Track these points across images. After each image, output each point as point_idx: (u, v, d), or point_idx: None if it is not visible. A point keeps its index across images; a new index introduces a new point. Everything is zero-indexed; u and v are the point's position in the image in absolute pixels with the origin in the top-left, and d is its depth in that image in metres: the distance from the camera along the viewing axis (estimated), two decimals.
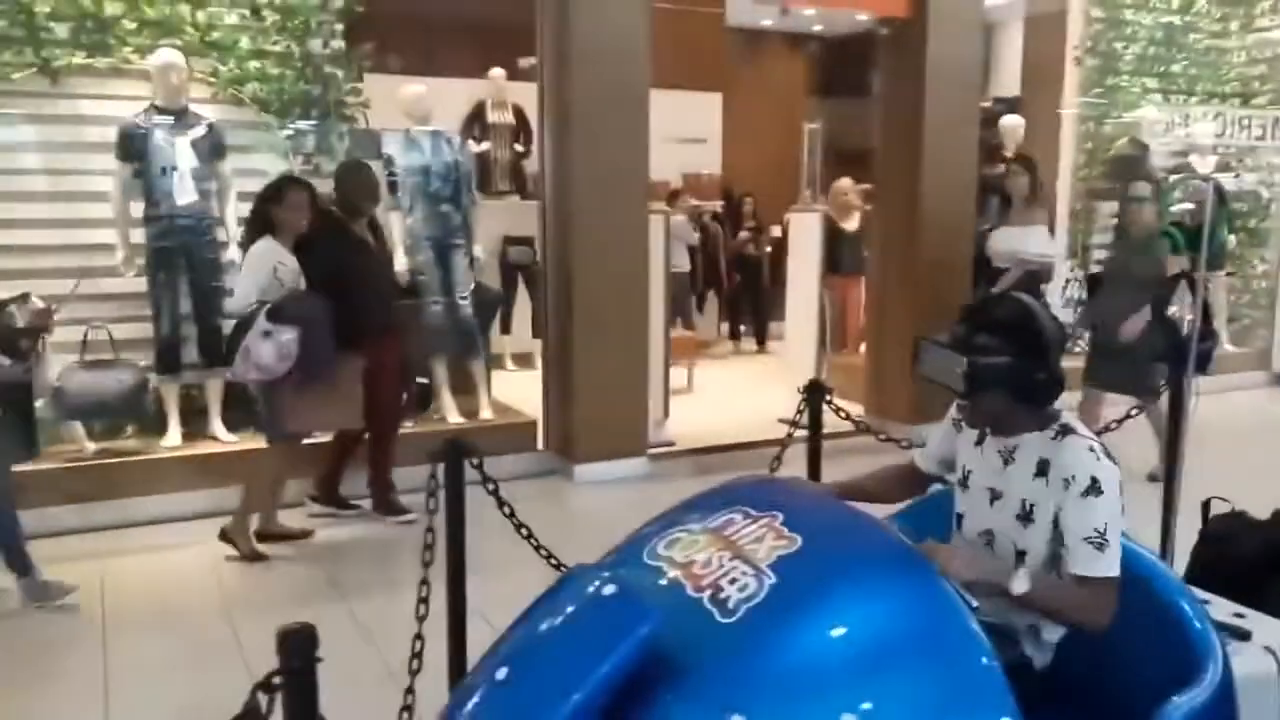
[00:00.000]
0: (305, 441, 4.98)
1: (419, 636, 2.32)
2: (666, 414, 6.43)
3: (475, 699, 1.95)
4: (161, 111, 5.14)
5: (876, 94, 7.05)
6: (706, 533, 2.23)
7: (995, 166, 7.58)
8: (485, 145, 8.53)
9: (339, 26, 5.67)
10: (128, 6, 5.17)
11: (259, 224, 4.64)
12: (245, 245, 4.70)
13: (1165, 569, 2.31)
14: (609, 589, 2.02)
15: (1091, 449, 2.15)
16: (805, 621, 1.92)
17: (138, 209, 5.20)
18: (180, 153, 5.14)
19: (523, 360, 8.06)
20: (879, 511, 2.62)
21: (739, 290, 10.46)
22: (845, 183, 8.16)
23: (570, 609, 2.04)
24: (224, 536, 4.66)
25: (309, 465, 5.11)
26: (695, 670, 1.88)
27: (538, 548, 2.72)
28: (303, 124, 5.62)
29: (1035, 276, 6.07)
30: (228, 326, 5.43)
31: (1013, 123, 7.88)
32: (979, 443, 2.34)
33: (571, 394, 5.69)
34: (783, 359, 8.22)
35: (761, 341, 10.41)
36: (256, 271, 4.54)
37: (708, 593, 2.02)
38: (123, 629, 3.87)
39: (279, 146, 5.60)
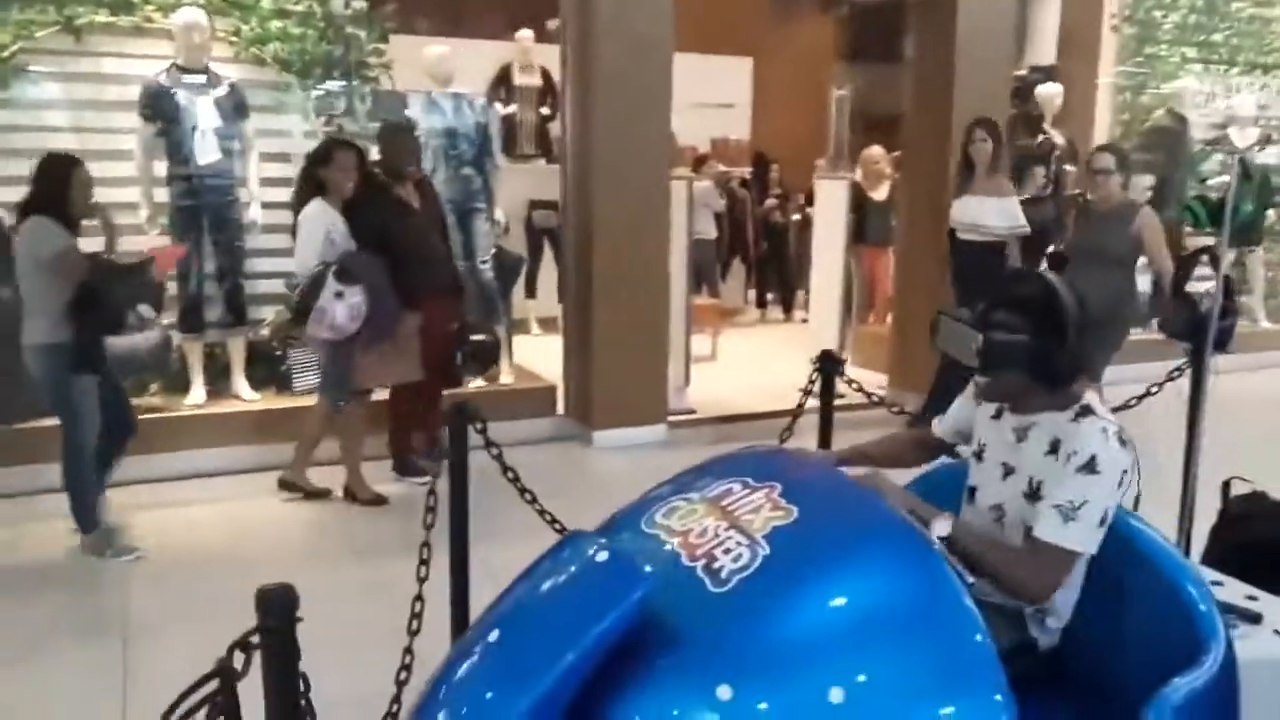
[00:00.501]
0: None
1: (419, 598, 2.33)
2: (687, 381, 6.41)
3: (469, 660, 1.95)
4: (184, 70, 5.16)
5: (907, 60, 6.92)
6: (705, 502, 2.21)
7: (1035, 137, 7.45)
8: (511, 108, 8.47)
9: None
10: None
11: (309, 186, 4.70)
12: (296, 208, 4.76)
13: (1170, 549, 2.26)
14: (602, 554, 2.01)
15: (1104, 430, 2.11)
16: (796, 593, 1.90)
17: (161, 168, 5.23)
18: (202, 112, 5.15)
19: (548, 325, 8.03)
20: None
21: (766, 258, 10.38)
22: (876, 150, 8.06)
23: (564, 573, 2.03)
24: (283, 485, 4.87)
25: (366, 426, 5.06)
26: (686, 639, 1.87)
27: (541, 512, 2.72)
28: (324, 85, 5.61)
29: (996, 249, 5.62)
30: (250, 286, 5.52)
31: (1050, 91, 7.72)
32: (996, 416, 2.31)
33: (591, 359, 5.68)
34: (808, 328, 8.16)
35: (788, 310, 10.34)
36: (313, 233, 4.61)
37: (701, 562, 2.01)
38: (146, 578, 3.95)
39: (301, 107, 5.59)
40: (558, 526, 2.69)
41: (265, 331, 5.62)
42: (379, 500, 4.75)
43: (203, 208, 5.24)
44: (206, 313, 5.37)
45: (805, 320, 8.59)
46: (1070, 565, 2.09)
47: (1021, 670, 1.99)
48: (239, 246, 5.39)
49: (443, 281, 5.12)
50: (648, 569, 1.99)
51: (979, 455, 2.35)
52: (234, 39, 5.42)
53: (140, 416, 5.12)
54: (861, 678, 1.79)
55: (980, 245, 5.57)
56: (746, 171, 10.40)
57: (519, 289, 7.92)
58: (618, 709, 1.80)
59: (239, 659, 1.44)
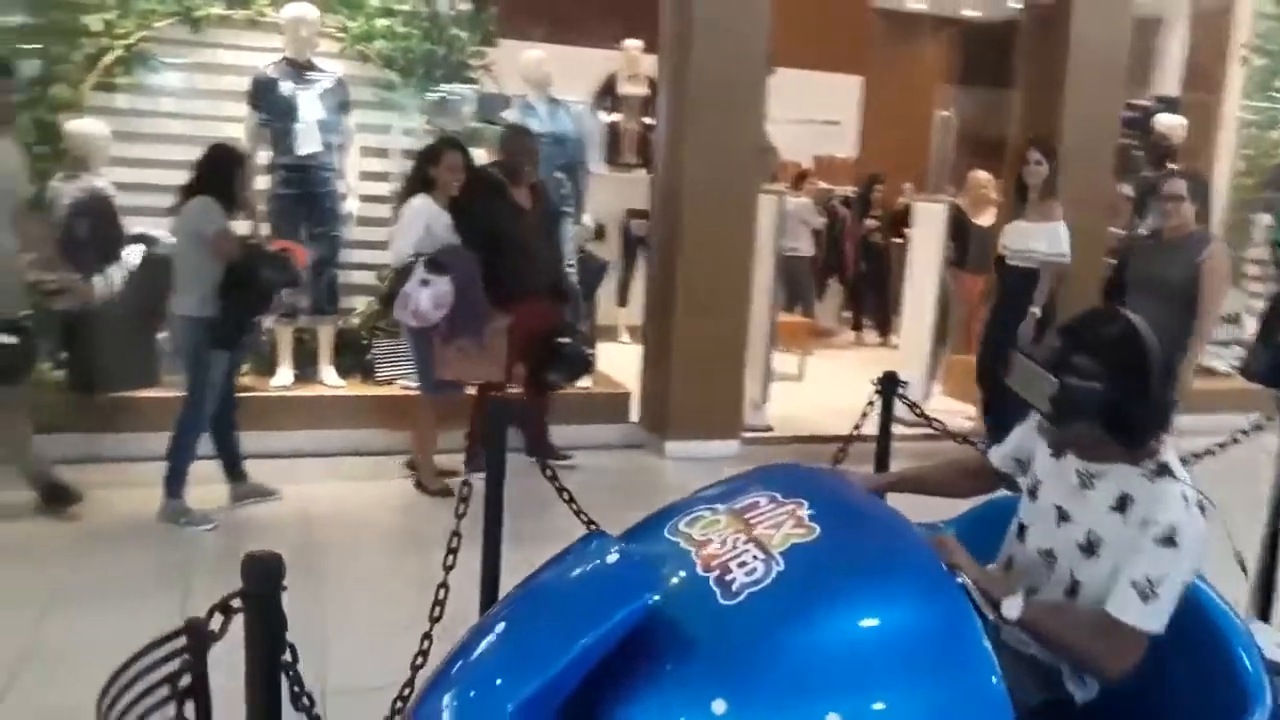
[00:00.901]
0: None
1: (444, 585, 2.35)
2: (766, 398, 6.34)
3: (479, 646, 1.96)
4: (291, 64, 5.33)
5: (1016, 83, 6.75)
6: (729, 513, 2.18)
7: (1160, 169, 7.16)
8: (616, 117, 8.53)
9: None
10: None
11: (416, 182, 4.86)
12: (400, 202, 4.91)
13: (1219, 602, 2.14)
14: (613, 556, 2.01)
15: (1184, 496, 1.95)
16: (804, 613, 1.85)
17: (265, 156, 5.42)
18: (306, 104, 5.32)
19: (637, 333, 8.06)
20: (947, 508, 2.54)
21: (863, 279, 10.21)
22: (983, 175, 7.85)
23: (576, 571, 2.04)
24: (410, 465, 5.06)
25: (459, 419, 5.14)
26: (689, 648, 1.84)
27: (578, 513, 2.72)
28: (425, 83, 5.74)
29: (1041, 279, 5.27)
30: (343, 276, 5.68)
31: (1170, 122, 7.40)
32: (1058, 454, 2.15)
33: (667, 369, 5.67)
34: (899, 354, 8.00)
35: (885, 333, 10.14)
36: (411, 227, 4.75)
37: (715, 573, 1.98)
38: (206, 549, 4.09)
39: (401, 104, 5.73)
40: (594, 528, 2.69)
41: (355, 320, 5.76)
42: (446, 492, 4.81)
43: (302, 197, 5.41)
44: (299, 299, 5.53)
45: (894, 345, 8.44)
46: (1145, 645, 1.93)
47: None
48: (335, 237, 5.54)
49: (544, 285, 5.18)
50: (661, 575, 1.99)
51: (1033, 493, 2.22)
52: (340, 35, 5.59)
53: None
54: (862, 707, 1.74)
55: (1026, 272, 5.32)
56: (850, 190, 10.25)
57: (610, 296, 8.00)
58: (618, 710, 1.79)
59: (217, 621, 1.47)
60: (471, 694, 1.84)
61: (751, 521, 2.12)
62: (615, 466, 5.28)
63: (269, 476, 4.80)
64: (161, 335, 5.33)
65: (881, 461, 3.35)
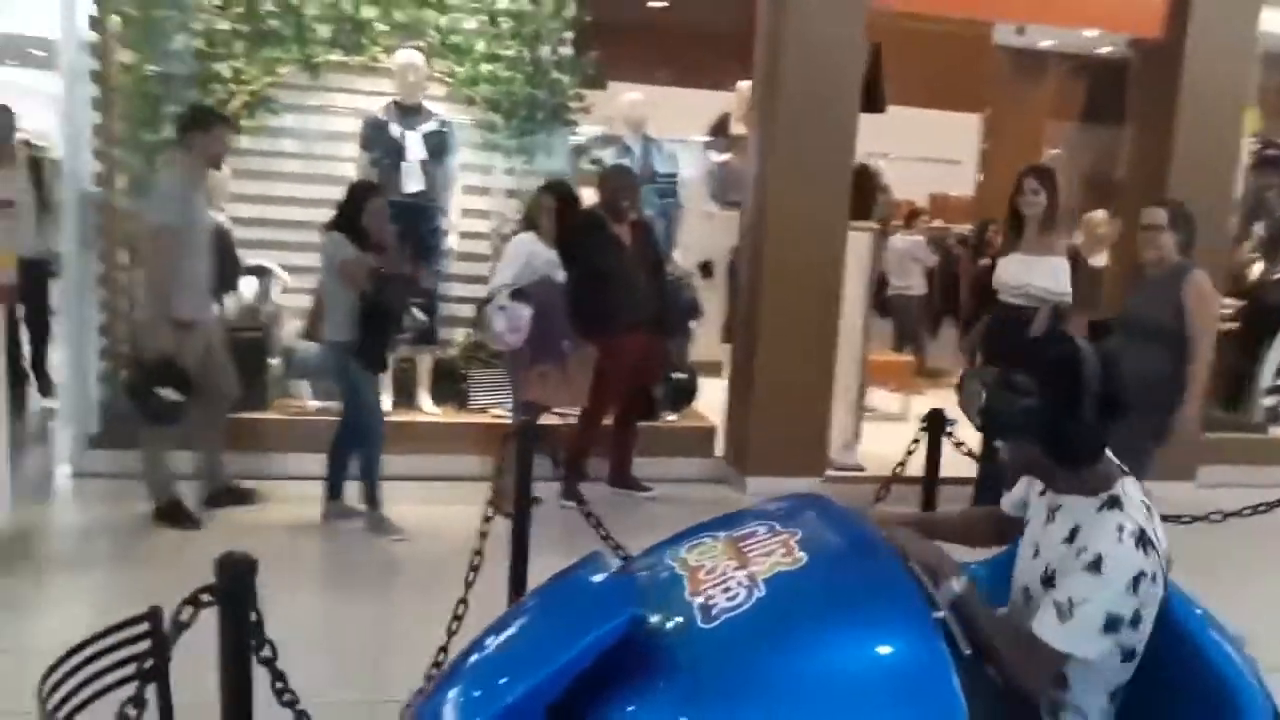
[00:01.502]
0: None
1: (463, 600, 2.47)
2: (857, 437, 6.29)
3: (471, 660, 2.08)
4: (400, 107, 5.65)
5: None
6: (726, 541, 2.24)
7: None
8: (727, 156, 8.65)
9: (568, 34, 5.98)
10: (381, 10, 5.71)
11: (526, 220, 5.19)
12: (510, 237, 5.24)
13: (1216, 635, 2.08)
14: (599, 577, 2.09)
15: (1120, 528, 1.94)
16: (773, 639, 1.89)
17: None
18: (412, 145, 5.62)
19: None
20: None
21: (977, 319, 9.96)
22: (1100, 214, 7.63)
23: (569, 589, 2.14)
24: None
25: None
26: (664, 669, 1.91)
27: (605, 537, 2.80)
28: (527, 125, 5.97)
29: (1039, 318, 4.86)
30: (443, 308, 5.95)
31: None
32: (1042, 493, 2.20)
33: (750, 405, 5.70)
34: None
35: None
36: (511, 260, 5.05)
37: (700, 598, 2.04)
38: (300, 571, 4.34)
39: (503, 145, 5.98)
40: (620, 553, 2.77)
41: (453, 351, 6.02)
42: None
43: (405, 232, 5.68)
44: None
45: None
46: (1057, 665, 1.96)
47: None
48: (436, 271, 5.81)
49: (644, 318, 5.32)
50: (654, 595, 2.07)
51: (1023, 531, 2.23)
52: (448, 79, 5.88)
53: (333, 417, 5.65)
54: None
55: (1020, 311, 4.87)
56: (967, 228, 10.08)
57: (714, 332, 8.08)
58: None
59: (187, 613, 1.62)
60: (468, 693, 1.96)
61: (744, 550, 2.17)
62: (694, 499, 5.32)
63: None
64: (274, 360, 5.71)
65: (928, 500, 3.32)
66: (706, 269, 8.76)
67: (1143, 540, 1.94)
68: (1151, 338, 4.12)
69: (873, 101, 8.45)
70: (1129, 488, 2.04)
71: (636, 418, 5.55)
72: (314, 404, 5.73)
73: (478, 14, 5.85)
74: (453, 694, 1.96)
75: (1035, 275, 4.85)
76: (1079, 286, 7.10)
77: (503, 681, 1.92)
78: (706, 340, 7.45)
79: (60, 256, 5.72)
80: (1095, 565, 1.91)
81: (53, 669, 1.46)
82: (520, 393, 5.20)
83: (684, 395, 5.58)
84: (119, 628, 1.59)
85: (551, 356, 5.10)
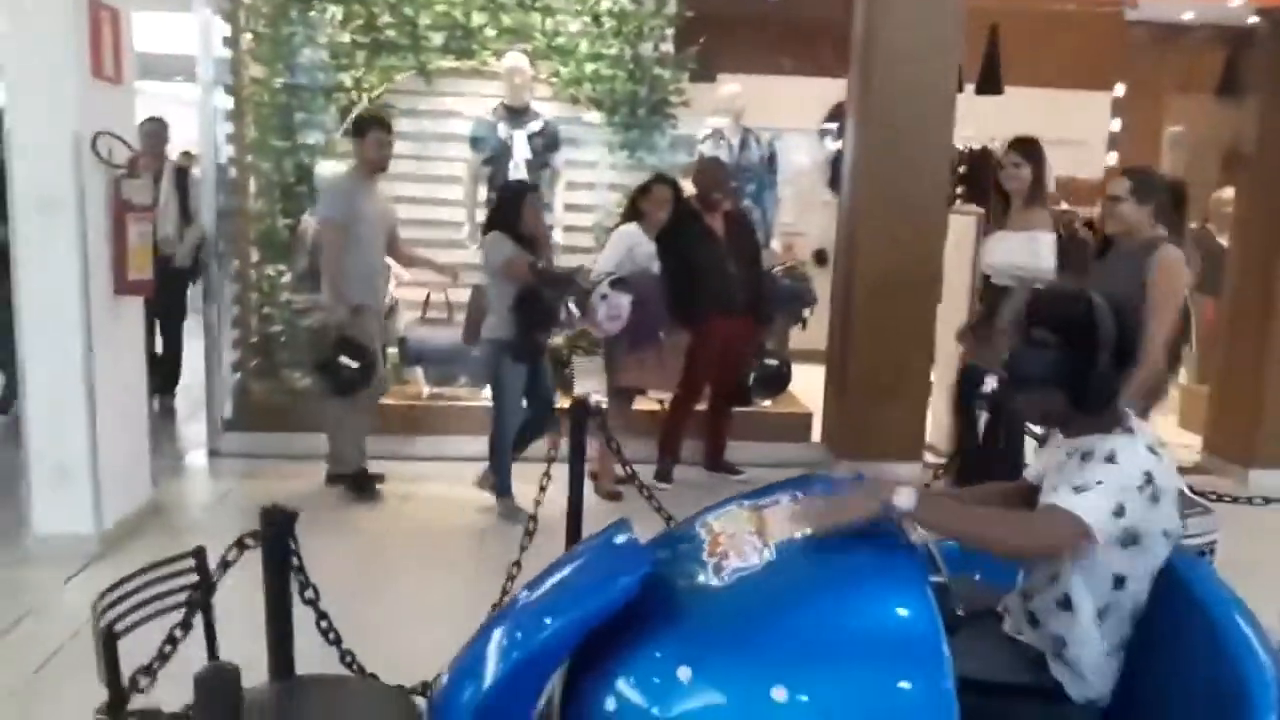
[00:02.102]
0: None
1: (517, 564, 2.68)
2: None
3: (505, 616, 2.28)
4: (508, 108, 5.93)
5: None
6: (751, 509, 2.37)
7: None
8: (839, 144, 8.65)
9: (669, 30, 6.15)
10: (489, 16, 6.01)
11: (628, 212, 5.34)
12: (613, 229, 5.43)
13: (1230, 599, 2.09)
14: (620, 538, 2.26)
15: (1133, 434, 2.09)
16: (774, 596, 2.02)
17: (483, 192, 6.04)
18: (518, 144, 5.90)
19: None
20: None
21: None
22: (1229, 193, 7.33)
23: (593, 550, 2.32)
24: (593, 474, 5.29)
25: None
26: (673, 621, 2.05)
27: (658, 509, 2.97)
28: (629, 121, 6.17)
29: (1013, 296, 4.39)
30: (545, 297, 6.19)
31: None
32: (1058, 445, 2.29)
33: (845, 391, 5.75)
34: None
35: None
36: (614, 249, 5.24)
37: (716, 559, 2.18)
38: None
39: (607, 141, 6.19)
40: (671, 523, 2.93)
41: (559, 339, 6.27)
42: (614, 496, 5.16)
43: None
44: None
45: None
46: (1068, 531, 2.01)
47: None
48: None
49: (735, 306, 5.45)
50: (675, 557, 2.23)
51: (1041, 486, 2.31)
52: (554, 80, 6.14)
53: (445, 403, 6.00)
54: (809, 687, 1.86)
55: (1012, 293, 4.47)
56: (1095, 211, 9.72)
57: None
58: (610, 667, 2.03)
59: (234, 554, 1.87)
60: (484, 651, 2.13)
61: (766, 516, 2.30)
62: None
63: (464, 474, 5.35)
64: (391, 350, 6.08)
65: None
66: (821, 257, 8.81)
67: (1152, 449, 2.07)
68: None
69: (990, 84, 8.38)
70: (1137, 423, 2.15)
71: (729, 404, 5.67)
72: (427, 390, 6.07)
73: (581, 15, 6.08)
74: (473, 651, 2.14)
75: (1016, 253, 4.57)
76: (1213, 268, 6.91)
77: (518, 637, 2.09)
78: (821, 328, 7.49)
79: (200, 263, 6.17)
80: (1110, 457, 2.03)
81: (107, 592, 1.72)
82: (615, 378, 5.40)
83: (776, 383, 5.67)
84: (168, 562, 1.86)
85: (648, 343, 5.26)
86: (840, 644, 1.93)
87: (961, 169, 9.25)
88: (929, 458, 5.84)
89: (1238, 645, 2.03)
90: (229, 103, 5.79)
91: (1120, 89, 10.09)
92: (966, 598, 2.13)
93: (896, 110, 5.53)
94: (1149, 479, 2.04)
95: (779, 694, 1.86)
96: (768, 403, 6.08)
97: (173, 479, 5.32)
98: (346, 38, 5.97)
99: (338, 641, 2.04)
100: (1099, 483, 2.02)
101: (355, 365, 4.80)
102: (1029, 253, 4.51)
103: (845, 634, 1.94)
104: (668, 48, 6.18)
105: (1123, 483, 2.02)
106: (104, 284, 4.22)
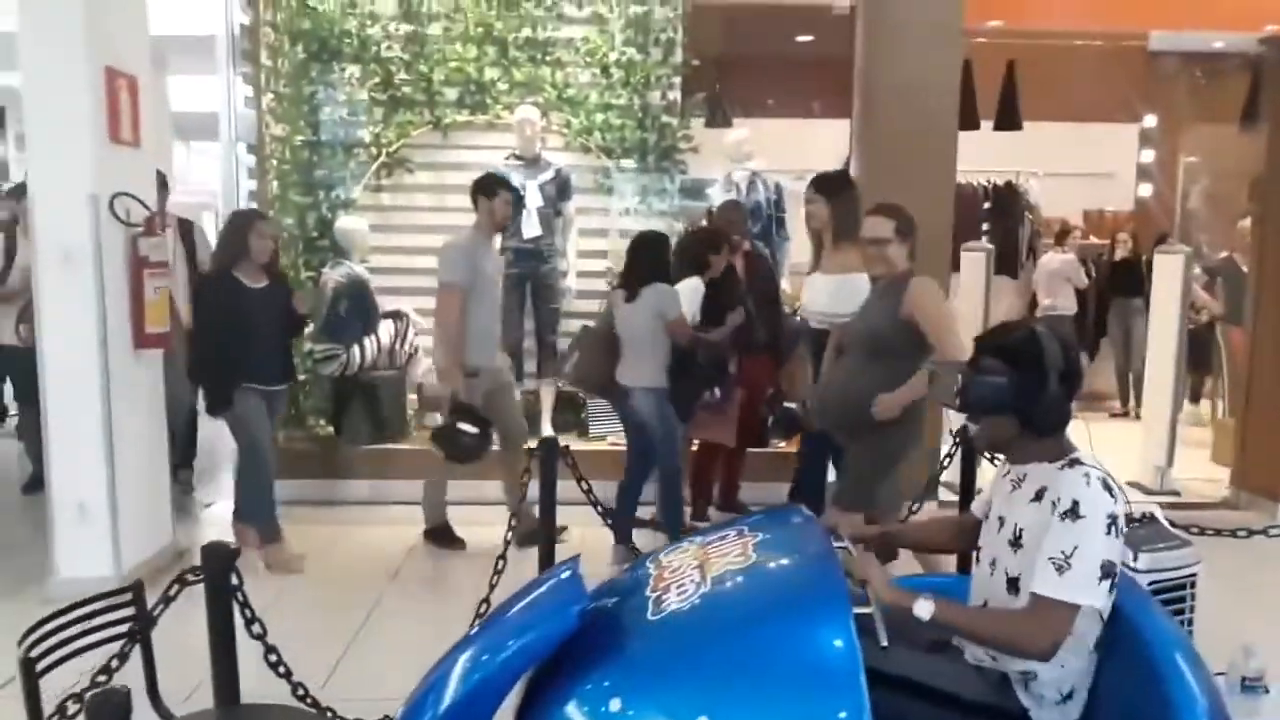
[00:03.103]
0: None
1: (486, 600, 2.76)
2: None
3: (457, 649, 2.34)
4: (520, 158, 6.09)
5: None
6: (699, 546, 2.43)
7: None
8: None
9: (676, 79, 6.29)
10: (502, 71, 6.20)
11: (691, 264, 5.19)
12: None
13: (1174, 633, 2.11)
14: (565, 573, 2.33)
15: (1086, 475, 2.12)
16: (705, 629, 2.08)
17: (497, 240, 6.18)
18: (530, 193, 6.04)
19: None
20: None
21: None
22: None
23: (541, 585, 2.38)
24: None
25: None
26: (610, 655, 2.12)
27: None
28: (638, 168, 6.30)
29: None
30: (562, 344, 6.31)
31: None
32: (1005, 474, 2.36)
33: None
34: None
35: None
36: (688, 305, 5.04)
37: (656, 594, 2.24)
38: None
39: (617, 188, 6.33)
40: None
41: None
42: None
43: (527, 274, 6.12)
44: (525, 363, 6.22)
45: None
46: (1070, 618, 2.06)
47: None
48: (555, 309, 6.19)
49: (755, 347, 5.50)
50: (623, 593, 2.30)
51: (987, 514, 2.39)
52: (565, 130, 6.30)
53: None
54: (729, 716, 1.91)
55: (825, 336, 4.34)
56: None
57: None
58: (549, 698, 2.10)
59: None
60: (429, 691, 2.21)
61: (710, 553, 2.36)
62: None
63: (496, 519, 5.38)
64: (411, 396, 6.23)
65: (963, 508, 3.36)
66: None
67: (1108, 485, 2.11)
68: (874, 355, 3.69)
69: (1008, 119, 8.41)
70: (1084, 454, 2.22)
71: (744, 445, 5.71)
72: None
73: (590, 67, 6.24)
74: (419, 692, 2.22)
75: (830, 297, 4.34)
76: (1239, 298, 6.83)
77: (463, 671, 2.15)
78: None
79: None
80: (1072, 512, 2.07)
81: (36, 626, 1.82)
82: (691, 432, 5.42)
83: (793, 425, 5.67)
84: (103, 597, 1.96)
85: (719, 396, 5.32)
86: (762, 675, 1.97)
87: (986, 205, 9.30)
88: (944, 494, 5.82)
89: (1174, 681, 2.06)
90: (251, 160, 6.02)
91: (1151, 120, 10.05)
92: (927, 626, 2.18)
93: (899, 146, 5.60)
94: (1113, 520, 2.08)
95: None
96: (784, 444, 6.09)
97: (194, 525, 5.48)
98: (364, 95, 6.19)
99: (287, 674, 2.13)
100: (1075, 549, 2.05)
101: (474, 431, 4.79)
102: (840, 298, 4.24)
103: (767, 665, 1.98)
104: (675, 95, 6.30)
105: (1095, 541, 2.05)
106: (123, 337, 4.42)
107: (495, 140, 6.26)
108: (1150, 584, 2.93)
